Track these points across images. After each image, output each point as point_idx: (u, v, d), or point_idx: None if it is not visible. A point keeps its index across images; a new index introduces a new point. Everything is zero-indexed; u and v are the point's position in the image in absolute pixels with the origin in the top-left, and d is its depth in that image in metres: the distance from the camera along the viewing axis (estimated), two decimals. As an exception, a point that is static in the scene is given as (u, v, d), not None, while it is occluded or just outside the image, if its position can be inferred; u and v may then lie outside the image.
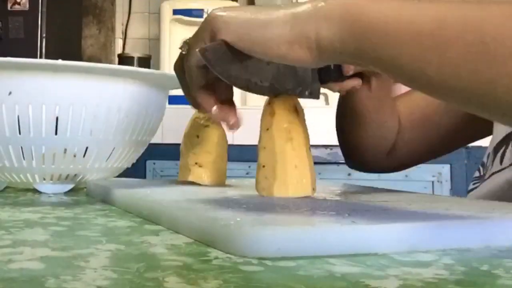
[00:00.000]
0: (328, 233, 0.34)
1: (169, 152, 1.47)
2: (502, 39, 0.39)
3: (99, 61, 2.07)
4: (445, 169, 1.55)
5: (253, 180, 0.55)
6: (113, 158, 0.77)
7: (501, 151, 0.70)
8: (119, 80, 0.73)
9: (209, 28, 0.49)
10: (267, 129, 0.54)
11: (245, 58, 0.49)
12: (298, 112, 0.55)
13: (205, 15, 1.80)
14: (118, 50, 2.17)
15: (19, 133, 0.70)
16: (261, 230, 0.34)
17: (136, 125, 0.76)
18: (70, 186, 0.75)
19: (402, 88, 0.68)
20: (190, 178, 0.66)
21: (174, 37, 1.87)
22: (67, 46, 1.90)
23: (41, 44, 1.67)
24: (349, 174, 1.50)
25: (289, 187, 0.53)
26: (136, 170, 0.97)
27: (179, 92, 0.63)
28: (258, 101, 0.65)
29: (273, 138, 0.53)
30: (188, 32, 1.75)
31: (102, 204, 0.59)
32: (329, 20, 0.44)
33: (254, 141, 0.56)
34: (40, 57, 1.67)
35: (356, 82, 0.61)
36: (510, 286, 0.28)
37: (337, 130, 0.77)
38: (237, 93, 0.57)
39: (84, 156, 0.73)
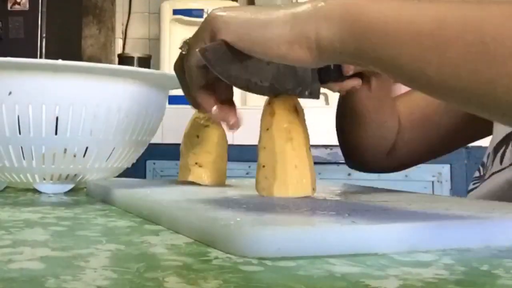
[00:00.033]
0: (328, 233, 0.34)
1: (169, 152, 1.47)
2: (502, 39, 0.39)
3: (99, 61, 2.07)
4: (445, 169, 1.55)
5: (253, 180, 0.55)
6: (113, 158, 0.77)
7: (501, 151, 0.70)
8: (119, 80, 0.73)
9: (209, 28, 0.49)
10: (267, 129, 0.54)
11: (245, 58, 0.49)
12: (298, 112, 0.55)
13: (205, 15, 1.80)
14: (118, 50, 2.17)
15: (19, 133, 0.70)
16: (261, 230, 0.34)
17: (136, 125, 0.76)
18: (70, 186, 0.75)
19: (402, 88, 0.68)
20: (190, 178, 0.66)
21: (174, 37, 1.87)
22: (67, 46, 1.90)
23: (41, 44, 1.67)
24: (349, 174, 1.50)
25: (289, 187, 0.53)
26: (136, 170, 0.97)
27: (179, 92, 0.63)
28: (258, 101, 0.65)
29: (273, 138, 0.53)
30: (188, 32, 1.74)
31: (102, 204, 0.59)
32: (329, 20, 0.44)
33: (254, 141, 0.56)
34: (40, 57, 1.67)
35: (356, 82, 0.61)
36: (510, 286, 0.28)
37: (337, 130, 0.77)
38: (237, 93, 0.57)
39: (84, 156, 0.73)
